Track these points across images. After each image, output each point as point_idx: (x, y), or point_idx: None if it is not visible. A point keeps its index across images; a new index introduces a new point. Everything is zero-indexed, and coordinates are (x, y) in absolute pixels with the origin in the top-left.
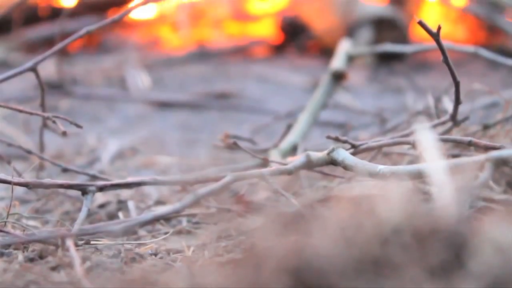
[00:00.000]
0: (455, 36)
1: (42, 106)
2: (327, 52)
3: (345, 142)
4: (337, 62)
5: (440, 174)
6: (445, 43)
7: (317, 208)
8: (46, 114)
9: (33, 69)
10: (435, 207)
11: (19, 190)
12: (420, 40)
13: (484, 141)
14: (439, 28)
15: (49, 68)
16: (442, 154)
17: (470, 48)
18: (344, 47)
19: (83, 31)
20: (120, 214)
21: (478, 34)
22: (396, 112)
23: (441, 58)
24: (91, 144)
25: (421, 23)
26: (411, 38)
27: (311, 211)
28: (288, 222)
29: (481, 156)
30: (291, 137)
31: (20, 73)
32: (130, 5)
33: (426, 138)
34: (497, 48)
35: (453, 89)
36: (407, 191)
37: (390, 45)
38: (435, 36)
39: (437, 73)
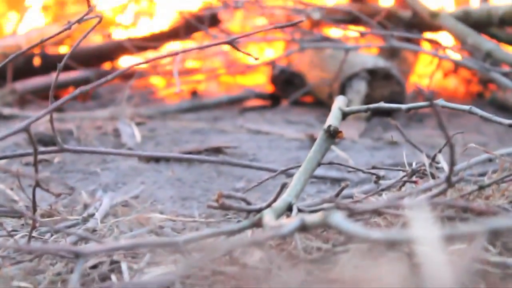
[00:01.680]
0: (450, 86)
1: (35, 166)
2: (321, 103)
3: (340, 207)
4: (332, 119)
5: (433, 246)
6: (441, 102)
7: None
8: (38, 178)
9: (26, 129)
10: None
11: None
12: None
13: (480, 206)
14: (433, 94)
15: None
16: (435, 226)
17: (465, 106)
18: (338, 104)
19: (76, 91)
20: (113, 277)
21: (472, 84)
22: (392, 166)
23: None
24: (84, 199)
25: (418, 89)
26: (406, 89)
27: None
28: None
29: (476, 226)
30: (286, 196)
31: (13, 134)
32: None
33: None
34: (491, 99)
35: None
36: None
37: (385, 103)
38: (431, 103)
39: (433, 122)
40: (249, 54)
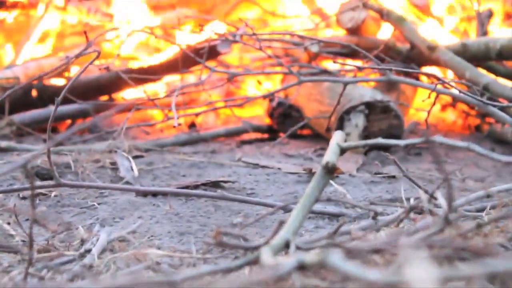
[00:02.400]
0: (448, 118)
1: (32, 202)
2: (319, 136)
3: (338, 246)
4: (330, 155)
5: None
6: (439, 139)
7: None
8: (35, 213)
9: (24, 167)
10: None
11: None
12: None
13: (478, 245)
14: (430, 129)
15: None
16: (433, 267)
17: (463, 143)
18: (336, 139)
19: (75, 128)
20: None
21: (470, 117)
22: (390, 201)
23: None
24: (81, 234)
25: (415, 125)
26: (404, 122)
27: None
28: None
29: (474, 268)
30: (284, 233)
31: (11, 171)
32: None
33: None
34: (489, 132)
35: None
36: None
37: (382, 138)
38: (428, 140)
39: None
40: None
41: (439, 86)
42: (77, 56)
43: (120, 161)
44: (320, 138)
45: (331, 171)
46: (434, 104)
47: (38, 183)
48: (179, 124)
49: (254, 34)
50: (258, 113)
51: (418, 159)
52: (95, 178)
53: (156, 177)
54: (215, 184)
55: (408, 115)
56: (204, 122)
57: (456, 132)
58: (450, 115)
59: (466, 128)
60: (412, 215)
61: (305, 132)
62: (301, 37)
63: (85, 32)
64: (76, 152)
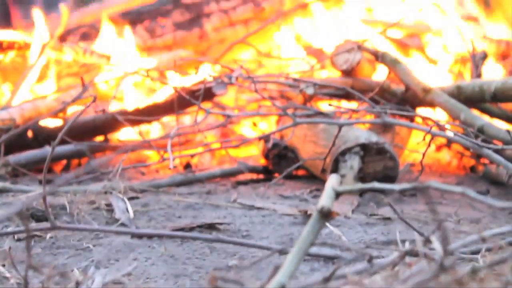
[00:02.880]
0: (443, 159)
1: (28, 247)
2: (314, 177)
3: None
4: (325, 199)
5: None
6: (433, 184)
7: None
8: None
9: (19, 213)
10: None
11: None
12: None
13: None
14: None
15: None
16: None
17: (458, 188)
18: (332, 183)
19: (68, 177)
20: None
21: (465, 157)
22: (384, 244)
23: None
24: (76, 277)
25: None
26: (399, 164)
27: None
28: None
29: None
30: (279, 277)
31: (8, 215)
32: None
33: None
34: (484, 173)
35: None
36: None
37: (378, 181)
38: (424, 186)
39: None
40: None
41: (434, 128)
42: (73, 101)
43: (115, 202)
44: (315, 179)
45: (326, 216)
46: (429, 146)
47: (33, 225)
48: (175, 167)
49: (249, 77)
50: (253, 154)
51: (413, 200)
52: (90, 219)
53: (152, 218)
54: (211, 226)
55: (403, 155)
56: (199, 163)
57: (451, 173)
58: (445, 156)
59: (461, 168)
60: (407, 259)
61: (301, 172)
62: (296, 80)
63: (81, 78)
64: (72, 193)
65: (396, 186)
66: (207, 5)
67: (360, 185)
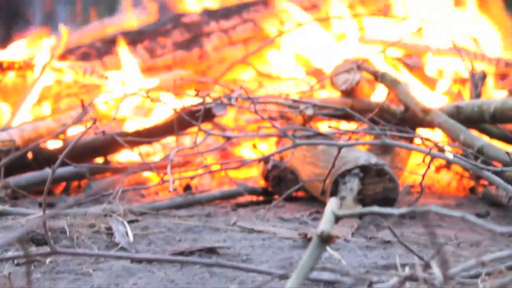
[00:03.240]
0: (442, 180)
1: (28, 274)
2: (314, 198)
3: None
4: (325, 224)
5: None
6: (433, 208)
7: None
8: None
9: (19, 239)
10: None
11: None
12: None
13: None
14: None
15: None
16: None
17: (458, 213)
18: (331, 206)
19: (68, 203)
20: None
21: (465, 178)
22: (384, 268)
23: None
24: None
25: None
26: (399, 185)
27: None
28: None
29: None
30: None
31: (8, 241)
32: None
33: None
34: (484, 194)
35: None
36: None
37: (377, 208)
38: (423, 211)
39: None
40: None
41: (434, 150)
42: (73, 123)
43: (115, 226)
44: (315, 201)
45: (326, 240)
46: (428, 168)
47: (33, 249)
48: (175, 189)
49: (249, 97)
50: (253, 175)
51: (413, 223)
52: (90, 243)
53: (151, 242)
54: (211, 250)
55: (403, 176)
56: (199, 184)
57: (450, 194)
58: (445, 177)
59: (460, 189)
60: (407, 284)
61: (300, 194)
62: (295, 101)
63: (81, 100)
64: (71, 216)
65: (395, 211)
66: (207, 24)
67: (360, 209)
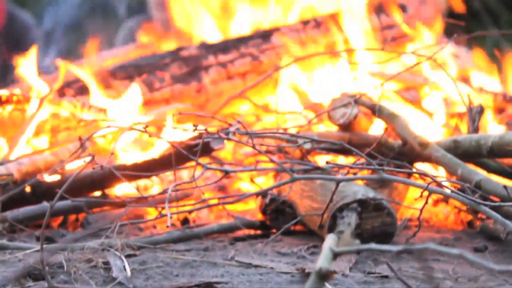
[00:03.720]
0: (440, 213)
1: None
2: (312, 232)
3: None
4: (323, 261)
5: None
6: (431, 246)
7: None
8: None
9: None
10: None
11: None
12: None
13: None
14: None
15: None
16: None
17: (456, 250)
18: (329, 243)
19: (67, 240)
20: None
21: (463, 212)
22: None
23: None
24: None
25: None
26: (397, 220)
27: None
28: None
29: None
30: None
31: (6, 279)
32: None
33: None
34: (481, 228)
35: None
36: None
37: (375, 244)
38: (420, 250)
39: (425, 253)
40: None
41: (432, 184)
42: (71, 160)
43: (112, 261)
44: (313, 235)
45: (324, 277)
46: (426, 203)
47: (30, 284)
48: (173, 224)
49: (247, 132)
50: (251, 207)
51: (410, 257)
52: (87, 278)
53: (149, 277)
54: (208, 285)
55: (401, 209)
56: (197, 217)
57: (448, 227)
58: (443, 209)
59: (458, 223)
60: None
61: (298, 228)
62: (293, 135)
63: (79, 138)
64: (69, 250)
65: (393, 247)
66: (205, 58)
67: (358, 246)
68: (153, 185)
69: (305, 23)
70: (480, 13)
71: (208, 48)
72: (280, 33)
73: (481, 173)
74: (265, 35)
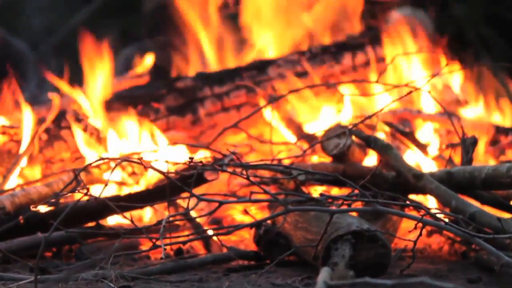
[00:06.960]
0: (434, 244)
1: None
2: (306, 263)
3: None
4: None
5: None
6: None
7: None
8: None
9: None
10: None
11: None
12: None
13: None
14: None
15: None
16: None
17: (450, 284)
18: (323, 277)
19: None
20: None
21: (457, 243)
22: None
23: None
24: None
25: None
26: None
27: None
28: None
29: None
30: None
31: None
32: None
33: None
34: (475, 259)
35: None
36: None
37: (370, 278)
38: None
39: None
40: None
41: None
42: (65, 195)
43: None
44: (307, 266)
45: None
46: (420, 234)
47: None
48: (167, 256)
49: (241, 164)
50: (245, 237)
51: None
52: None
53: None
54: None
55: (395, 240)
56: (190, 247)
57: (442, 258)
58: (437, 240)
59: (452, 254)
60: None
61: (292, 258)
62: (287, 167)
63: (73, 171)
64: (63, 281)
65: (388, 281)
66: (201, 90)
67: (352, 279)
68: (147, 214)
69: (301, 53)
70: (472, 42)
71: (203, 79)
72: (276, 65)
73: (475, 204)
74: (260, 67)
